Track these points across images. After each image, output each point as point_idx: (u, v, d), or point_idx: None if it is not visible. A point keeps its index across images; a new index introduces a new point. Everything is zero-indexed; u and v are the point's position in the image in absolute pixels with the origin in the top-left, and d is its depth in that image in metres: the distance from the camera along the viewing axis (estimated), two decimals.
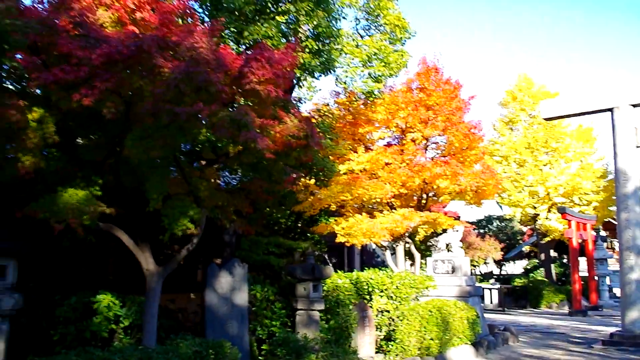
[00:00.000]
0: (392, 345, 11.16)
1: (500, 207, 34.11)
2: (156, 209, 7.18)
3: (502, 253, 28.68)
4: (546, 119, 15.00)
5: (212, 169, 7.49)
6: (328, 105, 13.00)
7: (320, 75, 9.79)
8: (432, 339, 11.44)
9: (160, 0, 7.15)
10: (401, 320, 11.23)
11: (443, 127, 12.13)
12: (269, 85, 6.20)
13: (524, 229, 32.14)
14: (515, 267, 34.00)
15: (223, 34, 8.18)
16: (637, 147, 14.18)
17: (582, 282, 22.07)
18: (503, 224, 31.08)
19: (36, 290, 7.73)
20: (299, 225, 14.16)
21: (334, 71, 9.80)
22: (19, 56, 5.96)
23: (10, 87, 6.65)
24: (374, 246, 20.42)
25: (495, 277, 28.81)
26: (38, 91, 6.45)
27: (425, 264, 15.93)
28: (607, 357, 12.53)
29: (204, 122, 6.00)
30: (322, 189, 11.27)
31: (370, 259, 20.42)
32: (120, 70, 5.73)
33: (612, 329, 16.91)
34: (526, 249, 30.90)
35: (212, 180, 7.57)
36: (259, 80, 6.19)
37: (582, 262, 22.92)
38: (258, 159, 6.61)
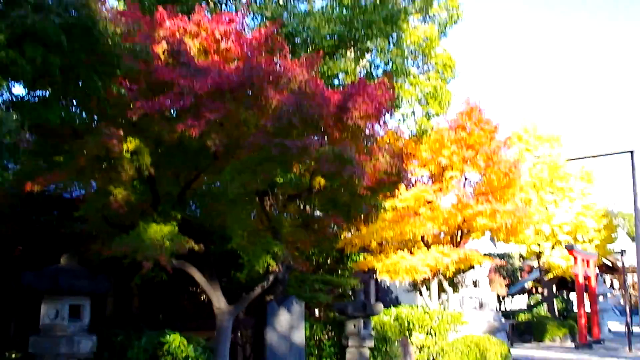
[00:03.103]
0: None
1: (494, 244, 33.73)
2: (233, 247, 6.58)
3: (506, 289, 28.14)
4: (569, 160, 14.76)
5: (295, 204, 6.91)
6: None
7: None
8: None
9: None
10: (442, 357, 10.63)
11: (485, 165, 11.78)
12: (372, 120, 5.69)
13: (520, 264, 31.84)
14: (514, 303, 33.44)
15: None
16: None
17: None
18: (502, 260, 30.74)
19: (101, 329, 6.95)
20: (328, 262, 13.51)
21: (400, 108, 9.43)
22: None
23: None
24: (388, 283, 19.77)
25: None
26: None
27: (448, 299, 15.36)
28: None
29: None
30: (364, 226, 10.76)
31: (384, 295, 19.69)
32: (227, 101, 5.19)
33: None
34: (528, 285, 30.47)
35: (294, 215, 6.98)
36: (361, 115, 5.69)
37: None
38: (351, 194, 6.05)
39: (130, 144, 5.34)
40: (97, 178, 5.72)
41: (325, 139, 6.01)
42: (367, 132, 6.33)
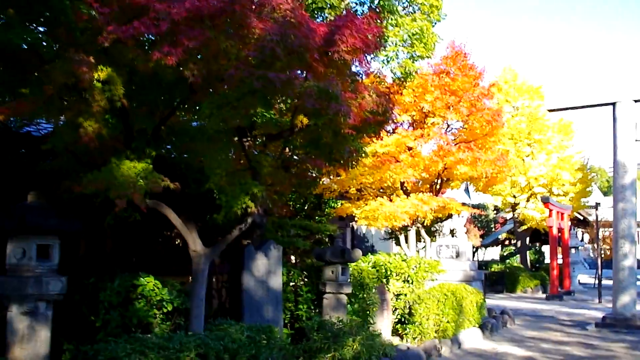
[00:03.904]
0: (409, 328, 10.78)
1: (469, 195, 34.25)
2: (210, 187, 6.42)
3: (480, 240, 28.80)
4: (550, 110, 14.79)
5: (276, 143, 6.72)
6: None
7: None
8: (448, 322, 11.15)
9: None
10: (419, 304, 10.83)
11: (468, 112, 11.67)
12: (359, 55, 5.49)
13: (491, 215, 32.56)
14: (488, 254, 34.31)
15: None
16: (637, 140, 14.12)
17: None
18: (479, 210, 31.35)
19: (72, 272, 6.79)
20: (306, 208, 13.46)
21: (385, 49, 9.15)
22: None
23: None
24: (364, 231, 19.97)
25: None
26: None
27: (424, 248, 15.60)
28: (604, 337, 12.56)
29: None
30: (344, 171, 10.64)
31: (360, 243, 19.94)
32: (206, 28, 4.91)
33: (593, 312, 17.16)
34: (502, 236, 31.20)
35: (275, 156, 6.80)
36: (347, 49, 5.47)
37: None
38: (335, 133, 5.90)
39: (102, 72, 5.03)
40: (66, 110, 5.43)
41: (310, 74, 5.80)
42: (353, 68, 6.15)
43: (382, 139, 11.28)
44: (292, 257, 12.49)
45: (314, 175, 8.85)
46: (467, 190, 33.63)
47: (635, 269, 14.25)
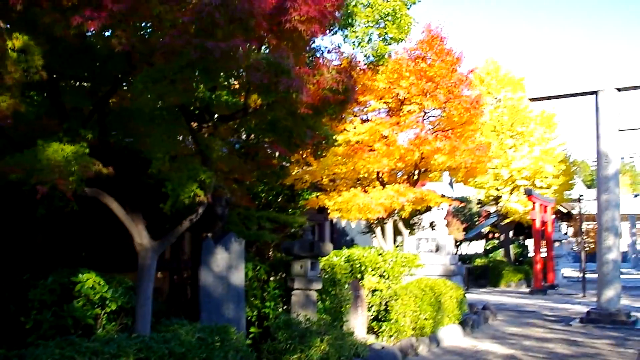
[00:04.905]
0: (385, 326, 10.21)
1: (452, 187, 33.87)
2: (153, 173, 5.80)
3: (464, 233, 28.37)
4: (531, 100, 14.31)
5: (227, 126, 6.10)
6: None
7: (337, 31, 8.49)
8: (426, 319, 10.59)
9: None
10: (395, 300, 10.27)
11: (445, 99, 11.11)
12: (314, 26, 4.89)
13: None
14: (471, 248, 33.95)
15: None
16: (620, 130, 13.70)
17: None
18: (460, 205, 30.93)
19: (5, 268, 6.16)
20: (279, 200, 12.86)
21: (353, 26, 8.55)
22: None
23: None
24: (343, 224, 19.43)
25: None
26: None
27: (402, 242, 15.08)
28: (588, 333, 12.11)
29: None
30: (315, 161, 10.05)
31: (340, 237, 19.39)
32: None
33: (577, 307, 16.81)
34: (485, 230, 30.84)
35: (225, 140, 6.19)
36: (301, 18, 4.88)
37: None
38: (291, 114, 5.31)
39: (17, 40, 4.41)
40: None
41: (261, 47, 5.22)
42: (311, 44, 5.56)
43: (355, 127, 10.74)
44: (270, 252, 11.91)
45: (280, 163, 8.28)
46: (451, 184, 33.27)
47: (620, 262, 13.83)
